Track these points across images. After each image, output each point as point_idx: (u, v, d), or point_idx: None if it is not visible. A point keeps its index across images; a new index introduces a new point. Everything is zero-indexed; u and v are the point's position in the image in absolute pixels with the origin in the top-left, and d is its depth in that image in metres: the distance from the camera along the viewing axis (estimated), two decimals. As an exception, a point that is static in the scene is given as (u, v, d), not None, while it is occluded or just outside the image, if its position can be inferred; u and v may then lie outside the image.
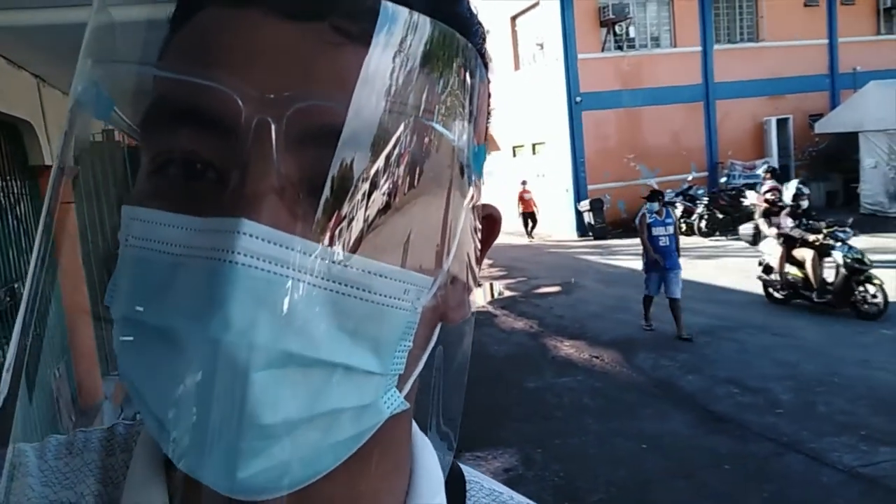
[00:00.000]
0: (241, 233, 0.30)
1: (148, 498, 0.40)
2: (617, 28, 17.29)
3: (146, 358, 0.33)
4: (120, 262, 0.35)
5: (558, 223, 17.95)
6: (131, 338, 0.34)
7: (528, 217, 17.86)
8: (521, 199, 17.76)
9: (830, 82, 18.79)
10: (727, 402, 5.55)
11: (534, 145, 19.13)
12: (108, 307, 0.35)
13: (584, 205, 16.65)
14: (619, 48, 17.54)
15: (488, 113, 0.44)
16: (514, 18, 19.38)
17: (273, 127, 0.31)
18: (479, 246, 0.42)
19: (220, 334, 0.29)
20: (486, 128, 0.44)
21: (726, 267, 11.37)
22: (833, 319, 7.69)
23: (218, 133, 0.32)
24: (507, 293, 11.04)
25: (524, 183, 17.95)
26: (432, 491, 0.45)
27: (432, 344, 0.40)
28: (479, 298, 10.95)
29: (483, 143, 0.39)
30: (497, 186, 21.56)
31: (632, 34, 17.51)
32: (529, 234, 17.77)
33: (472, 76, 0.36)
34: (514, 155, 20.37)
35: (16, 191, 3.77)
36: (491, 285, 11.94)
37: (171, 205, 0.33)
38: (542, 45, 18.11)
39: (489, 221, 0.44)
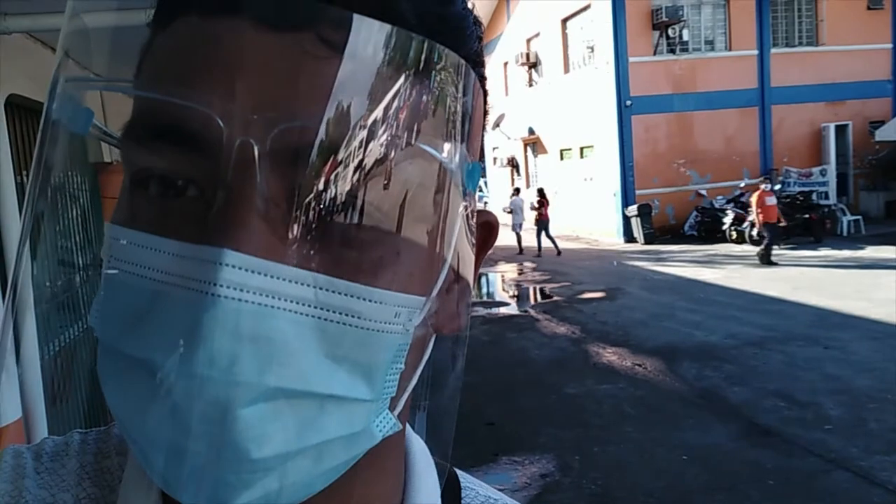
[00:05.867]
0: (224, 264, 0.28)
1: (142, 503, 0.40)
2: (670, 31, 17.00)
3: (128, 388, 0.32)
4: (102, 282, 0.34)
5: (604, 228, 17.74)
6: (112, 363, 0.33)
7: (772, 230, 12.32)
8: (761, 204, 12.25)
9: (893, 88, 18.11)
10: (774, 415, 5.40)
11: (581, 149, 18.95)
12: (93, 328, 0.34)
13: (632, 210, 16.43)
14: (672, 51, 17.24)
15: (485, 112, 0.42)
16: (564, 21, 19.23)
17: (256, 149, 0.30)
18: (474, 256, 0.41)
19: (203, 370, 0.28)
20: (483, 136, 0.43)
21: (776, 277, 11.08)
22: (888, 333, 7.42)
23: (200, 154, 0.31)
24: (550, 298, 10.97)
25: (766, 179, 13.04)
26: (427, 496, 0.44)
27: (426, 358, 0.38)
28: (522, 303, 10.91)
29: (477, 160, 0.38)
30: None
31: (685, 37, 17.18)
32: (767, 254, 12.25)
33: (464, 91, 0.35)
34: (562, 158, 20.22)
35: (76, 185, 3.93)
36: (534, 289, 11.88)
37: (153, 226, 0.32)
38: (592, 48, 17.93)
39: (486, 228, 0.43)
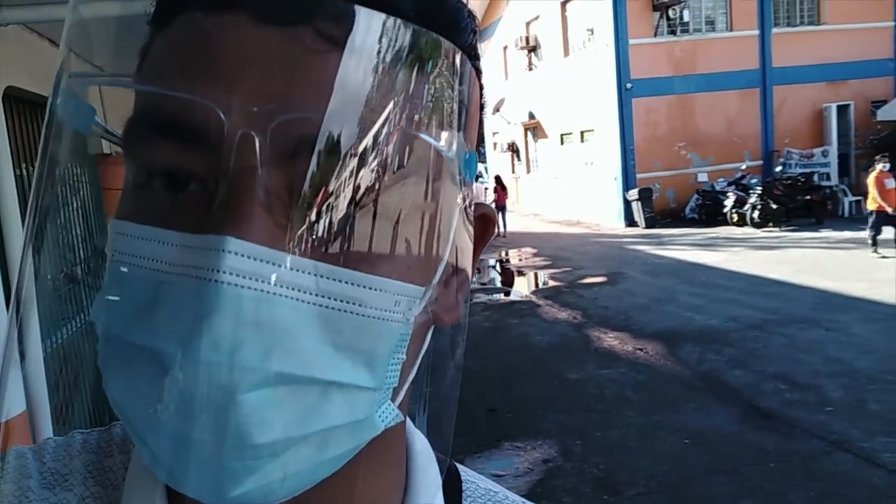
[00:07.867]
0: (227, 251, 0.29)
1: (147, 500, 0.40)
2: (670, 12, 16.88)
3: (131, 378, 0.32)
4: (106, 276, 0.34)
5: (605, 212, 17.72)
6: (115, 355, 0.33)
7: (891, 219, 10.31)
8: (881, 187, 10.26)
9: (895, 67, 17.99)
10: (775, 398, 5.42)
11: (582, 133, 18.89)
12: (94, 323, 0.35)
13: (633, 194, 16.40)
14: (673, 33, 17.12)
15: (481, 106, 0.43)
16: (564, 4, 19.10)
17: (257, 140, 0.30)
18: (472, 247, 0.41)
19: (207, 356, 0.28)
20: (480, 126, 0.43)
21: (778, 259, 11.07)
22: (889, 315, 7.43)
23: (202, 147, 0.32)
24: (552, 283, 10.98)
25: (884, 158, 10.56)
26: (429, 490, 0.45)
27: (425, 349, 0.39)
28: (523, 288, 10.93)
29: (474, 151, 0.38)
30: (542, 177, 21.38)
31: (686, 18, 17.06)
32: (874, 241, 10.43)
33: (461, 82, 0.35)
34: (562, 143, 20.16)
35: (76, 177, 3.92)
36: (535, 275, 11.89)
37: (157, 219, 0.32)
38: (592, 31, 17.81)
39: (483, 221, 0.44)
